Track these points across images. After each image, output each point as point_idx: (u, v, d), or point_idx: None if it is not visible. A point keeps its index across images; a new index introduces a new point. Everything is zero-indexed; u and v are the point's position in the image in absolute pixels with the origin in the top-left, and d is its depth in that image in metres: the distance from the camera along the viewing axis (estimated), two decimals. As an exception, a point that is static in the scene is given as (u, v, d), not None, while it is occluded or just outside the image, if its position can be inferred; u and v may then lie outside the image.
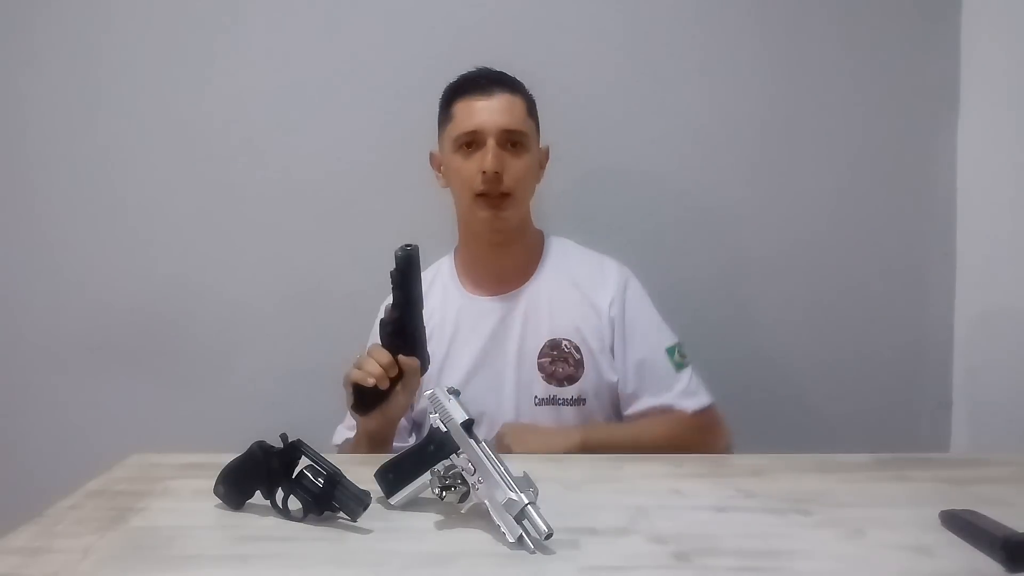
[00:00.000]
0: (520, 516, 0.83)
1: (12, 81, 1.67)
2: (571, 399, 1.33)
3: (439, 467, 0.92)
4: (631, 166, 1.68)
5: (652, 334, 1.36)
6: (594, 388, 1.34)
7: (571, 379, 1.33)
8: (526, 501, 0.84)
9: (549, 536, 0.81)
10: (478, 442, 0.92)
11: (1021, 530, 0.80)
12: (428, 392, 0.99)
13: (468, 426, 0.93)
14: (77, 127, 1.67)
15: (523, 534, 0.83)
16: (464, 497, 0.90)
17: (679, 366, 1.34)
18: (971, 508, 0.87)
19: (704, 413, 1.33)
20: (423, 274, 1.31)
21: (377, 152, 1.65)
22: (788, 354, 1.70)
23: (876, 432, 1.64)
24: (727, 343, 1.68)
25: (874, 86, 1.67)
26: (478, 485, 0.89)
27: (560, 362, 1.33)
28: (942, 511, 0.89)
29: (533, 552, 0.82)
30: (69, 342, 1.69)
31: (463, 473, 0.91)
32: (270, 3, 1.66)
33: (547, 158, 1.40)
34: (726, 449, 1.34)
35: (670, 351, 1.35)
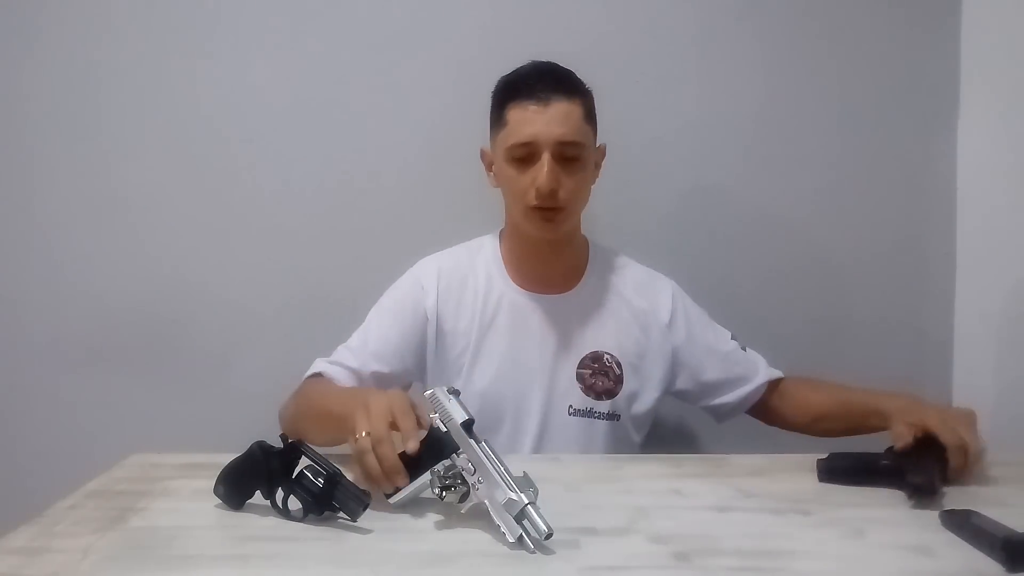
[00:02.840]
0: (520, 516, 0.84)
1: (13, 81, 1.66)
2: (606, 413, 1.30)
3: (439, 467, 0.92)
4: (631, 166, 1.67)
5: (719, 329, 1.40)
6: (628, 405, 1.31)
7: (609, 393, 1.30)
8: (526, 501, 0.84)
9: (549, 536, 0.81)
10: (478, 442, 0.92)
11: (1021, 530, 0.80)
12: (428, 392, 0.98)
13: (468, 426, 0.93)
14: (78, 127, 1.67)
15: (523, 534, 0.83)
16: (464, 497, 0.90)
17: (744, 349, 1.40)
18: (971, 508, 0.88)
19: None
20: (463, 249, 1.36)
21: (381, 154, 1.65)
22: (788, 353, 1.69)
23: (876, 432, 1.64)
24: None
25: (874, 85, 1.67)
26: (478, 485, 0.89)
27: (600, 375, 1.30)
28: (942, 511, 0.90)
29: (533, 552, 0.82)
30: (69, 342, 1.68)
31: (463, 473, 0.91)
32: (271, 3, 1.65)
33: (604, 156, 1.34)
34: None
35: (734, 338, 1.40)
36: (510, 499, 0.84)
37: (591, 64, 1.67)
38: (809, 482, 1.04)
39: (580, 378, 1.30)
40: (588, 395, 1.29)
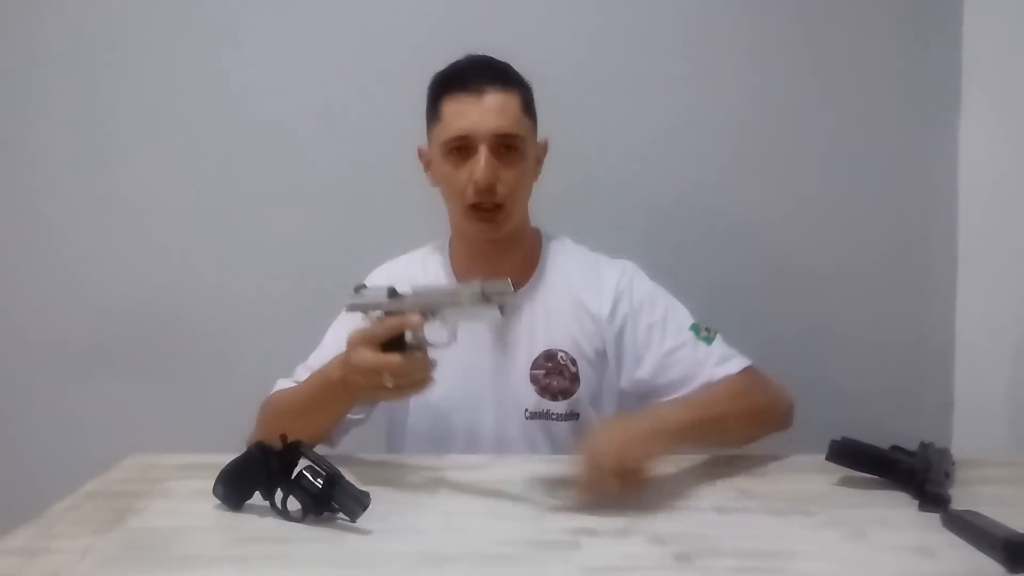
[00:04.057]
0: (485, 295, 0.94)
1: (13, 81, 1.66)
2: (563, 414, 1.24)
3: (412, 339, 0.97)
4: (631, 166, 1.68)
5: (671, 321, 1.27)
6: (591, 401, 1.27)
7: (565, 393, 1.25)
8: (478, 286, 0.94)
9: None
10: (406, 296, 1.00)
11: (1022, 530, 0.80)
12: (347, 306, 1.05)
13: (393, 293, 1.01)
14: (77, 127, 1.67)
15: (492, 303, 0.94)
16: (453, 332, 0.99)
17: (708, 340, 1.25)
18: (972, 509, 0.87)
19: (747, 372, 1.23)
20: (415, 255, 1.35)
21: (378, 151, 1.65)
22: (788, 354, 1.69)
23: (877, 433, 1.63)
24: (726, 342, 1.68)
25: (875, 85, 1.67)
26: (445, 316, 0.97)
27: (555, 375, 1.25)
28: (943, 512, 0.89)
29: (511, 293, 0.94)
30: (68, 342, 1.68)
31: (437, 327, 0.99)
32: (271, 5, 1.66)
33: (546, 152, 1.30)
34: (789, 405, 1.24)
35: (694, 329, 1.26)
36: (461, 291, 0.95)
37: (591, 64, 1.68)
38: (811, 483, 1.04)
39: (534, 379, 1.24)
40: (543, 396, 1.24)
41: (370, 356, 0.97)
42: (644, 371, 1.25)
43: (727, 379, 1.21)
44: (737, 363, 1.23)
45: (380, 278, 1.30)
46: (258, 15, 1.66)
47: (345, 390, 1.04)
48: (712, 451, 1.15)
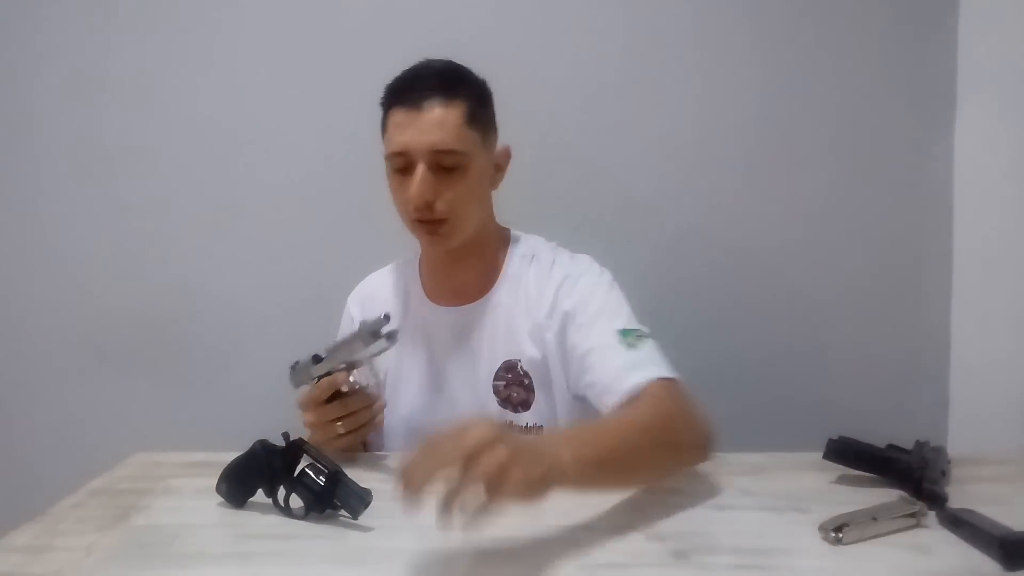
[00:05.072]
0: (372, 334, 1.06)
1: (15, 82, 1.67)
2: (528, 426, 1.20)
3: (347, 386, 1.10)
4: (630, 167, 1.68)
5: (601, 322, 1.15)
6: (552, 412, 1.21)
7: (525, 405, 1.21)
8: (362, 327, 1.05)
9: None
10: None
11: (1018, 529, 0.80)
12: (291, 382, 1.16)
13: (318, 358, 1.13)
14: (80, 128, 1.67)
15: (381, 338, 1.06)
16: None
17: (630, 347, 1.11)
18: (968, 507, 0.88)
19: (664, 383, 1.05)
20: (391, 268, 1.36)
21: (378, 154, 1.64)
22: (785, 353, 1.70)
23: (873, 431, 1.64)
24: (724, 342, 1.69)
25: (871, 86, 1.67)
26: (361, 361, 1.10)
27: (515, 386, 1.21)
28: (940, 510, 0.90)
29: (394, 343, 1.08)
30: (72, 342, 1.69)
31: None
32: (271, 8, 1.66)
33: (507, 159, 1.23)
34: (708, 432, 1.03)
35: (623, 333, 1.13)
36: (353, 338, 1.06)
37: (590, 65, 1.68)
38: (808, 480, 1.05)
39: (496, 391, 1.21)
40: (506, 407, 1.21)
41: (313, 416, 1.11)
42: (572, 375, 1.17)
43: (640, 393, 1.03)
44: (652, 371, 1.06)
45: (354, 296, 1.37)
46: (259, 18, 1.66)
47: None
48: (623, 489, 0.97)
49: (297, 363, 1.16)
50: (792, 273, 1.70)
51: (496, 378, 1.22)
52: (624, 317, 1.17)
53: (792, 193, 1.69)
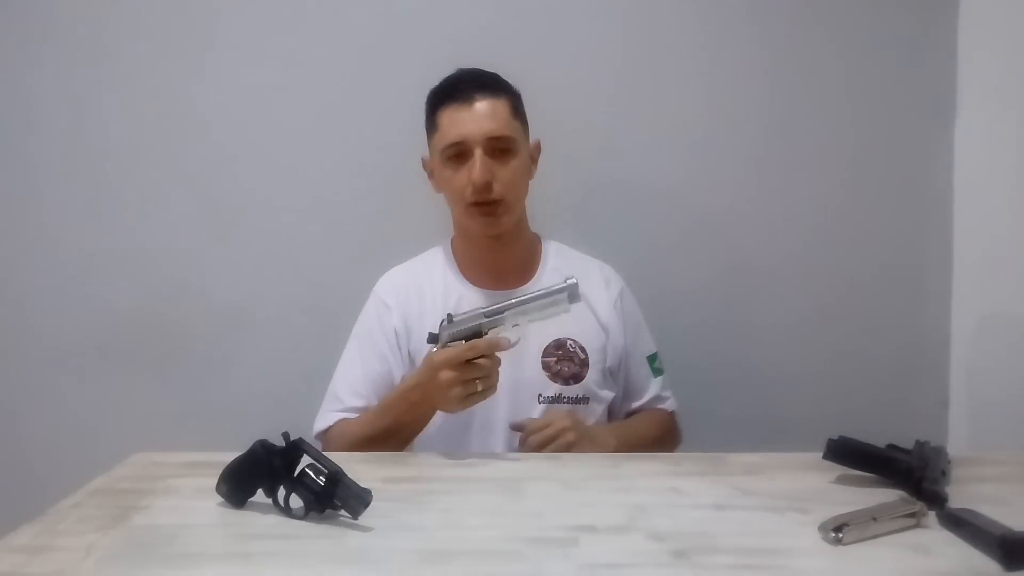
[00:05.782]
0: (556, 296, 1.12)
1: (15, 82, 1.67)
2: (576, 397, 1.33)
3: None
4: (630, 169, 1.68)
5: (641, 341, 1.43)
6: (598, 387, 1.36)
7: (576, 378, 1.34)
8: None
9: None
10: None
11: (1018, 528, 0.80)
12: (447, 335, 1.15)
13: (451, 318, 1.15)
14: (80, 129, 1.67)
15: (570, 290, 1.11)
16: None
17: (657, 372, 1.43)
18: (968, 507, 0.88)
19: (673, 416, 1.44)
20: (417, 260, 1.40)
21: (379, 154, 1.65)
22: (786, 354, 1.70)
23: (874, 431, 1.64)
24: (725, 344, 1.69)
25: (871, 88, 1.67)
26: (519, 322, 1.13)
27: (566, 361, 1.34)
28: (939, 510, 0.90)
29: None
30: (72, 342, 1.69)
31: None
32: (270, 9, 1.66)
33: (539, 152, 1.39)
34: (677, 445, 1.44)
35: (651, 358, 1.43)
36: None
37: (590, 66, 1.68)
38: (807, 480, 1.05)
39: (546, 366, 1.33)
40: (556, 381, 1.33)
41: (458, 373, 1.12)
42: (631, 372, 1.42)
43: (663, 413, 1.43)
44: (671, 404, 1.44)
45: (387, 285, 1.39)
46: (260, 19, 1.66)
47: (431, 407, 1.19)
48: None
49: (451, 316, 1.18)
50: (792, 273, 1.70)
51: (545, 355, 1.34)
52: (651, 341, 1.45)
53: (793, 194, 1.69)
